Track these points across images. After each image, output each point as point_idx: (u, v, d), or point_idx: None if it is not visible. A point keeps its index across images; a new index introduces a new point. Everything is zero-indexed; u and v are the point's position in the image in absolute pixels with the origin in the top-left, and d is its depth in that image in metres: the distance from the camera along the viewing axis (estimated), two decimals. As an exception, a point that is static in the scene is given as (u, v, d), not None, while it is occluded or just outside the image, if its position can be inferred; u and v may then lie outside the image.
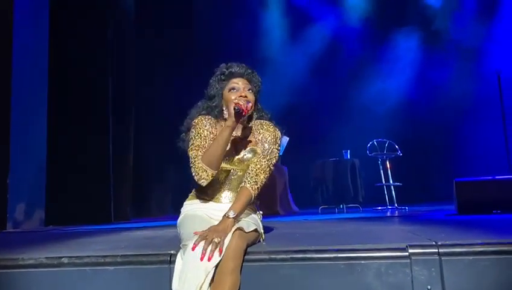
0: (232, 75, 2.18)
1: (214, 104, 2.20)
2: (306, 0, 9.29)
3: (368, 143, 6.09)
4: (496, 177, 4.20)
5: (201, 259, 1.64)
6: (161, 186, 7.59)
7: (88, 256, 1.90)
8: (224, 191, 2.15)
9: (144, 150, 6.95)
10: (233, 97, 2.10)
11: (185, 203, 2.21)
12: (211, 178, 2.04)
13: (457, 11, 8.69)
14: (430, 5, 8.97)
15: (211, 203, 2.14)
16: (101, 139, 5.63)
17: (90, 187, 5.43)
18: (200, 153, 2.04)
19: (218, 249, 1.67)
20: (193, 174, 2.04)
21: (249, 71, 2.21)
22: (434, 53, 8.72)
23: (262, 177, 2.04)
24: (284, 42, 9.34)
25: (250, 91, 2.16)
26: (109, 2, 6.04)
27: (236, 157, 2.14)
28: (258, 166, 2.06)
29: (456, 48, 8.53)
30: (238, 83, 2.16)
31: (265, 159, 2.09)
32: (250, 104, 2.08)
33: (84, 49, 5.64)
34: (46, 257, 1.91)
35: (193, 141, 2.09)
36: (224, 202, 2.12)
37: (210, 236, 1.72)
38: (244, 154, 2.14)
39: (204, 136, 2.09)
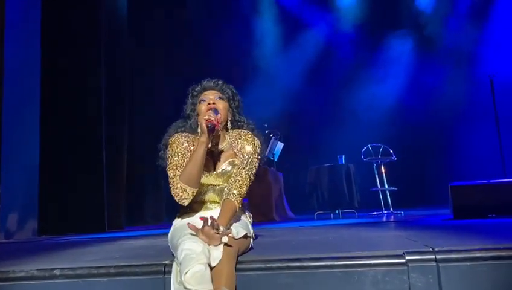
0: (204, 90, 2.22)
1: (191, 121, 2.23)
2: (299, 7, 9.31)
3: (363, 148, 6.08)
4: (490, 181, 4.20)
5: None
6: (156, 193, 7.54)
7: (81, 268, 1.86)
8: (208, 203, 2.16)
9: (138, 157, 6.91)
10: (203, 108, 2.12)
11: (174, 221, 2.19)
12: (191, 197, 2.03)
13: (449, 16, 8.75)
14: (423, 11, 9.03)
15: (198, 214, 2.13)
16: (94, 146, 5.58)
17: (83, 196, 5.37)
18: (178, 173, 2.03)
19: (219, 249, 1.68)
20: (173, 194, 2.03)
21: (220, 82, 2.23)
22: (427, 58, 8.77)
23: (244, 189, 2.05)
24: (277, 49, 9.36)
25: (220, 99, 2.17)
26: (102, 2, 5.99)
27: (215, 172, 2.14)
28: (239, 178, 2.06)
29: (449, 53, 8.59)
30: (208, 96, 2.18)
31: (245, 170, 2.09)
32: (219, 115, 2.08)
33: (77, 51, 5.60)
34: (38, 269, 1.87)
35: (170, 159, 2.09)
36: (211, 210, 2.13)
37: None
38: (223, 167, 2.14)
39: (182, 154, 2.09)
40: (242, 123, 2.27)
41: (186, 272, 1.56)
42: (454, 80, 8.38)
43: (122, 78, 6.44)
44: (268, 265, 1.80)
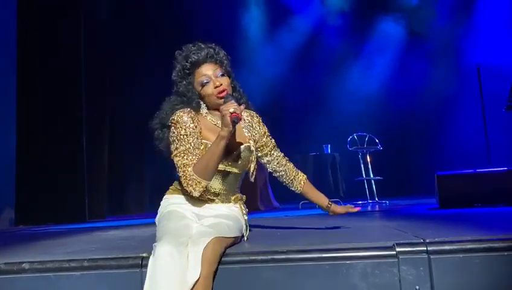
0: (196, 65, 1.93)
1: (189, 99, 1.96)
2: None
3: (348, 137, 6.01)
4: (476, 170, 4.18)
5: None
6: (138, 182, 7.38)
7: (51, 261, 1.74)
8: (217, 192, 1.97)
9: (120, 145, 6.74)
10: (209, 91, 1.89)
11: (167, 197, 1.99)
12: (204, 189, 1.85)
13: (437, 4, 8.69)
14: (411, -1, 8.95)
15: (202, 203, 1.94)
16: (73, 134, 5.42)
17: (63, 185, 5.21)
18: (187, 161, 1.82)
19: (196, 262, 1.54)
20: (184, 185, 1.83)
21: (211, 51, 1.94)
22: (414, 47, 8.71)
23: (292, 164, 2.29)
24: (261, 36, 9.20)
25: (222, 75, 1.94)
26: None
27: (231, 157, 1.95)
28: (289, 164, 2.35)
29: (437, 41, 8.54)
30: (207, 73, 1.92)
31: (278, 150, 2.28)
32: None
33: (54, 39, 5.42)
34: (5, 263, 1.75)
35: (176, 144, 1.85)
36: (218, 203, 1.97)
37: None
38: (239, 152, 1.97)
39: (189, 139, 1.85)
40: (238, 94, 2.06)
41: None
42: (442, 68, 8.35)
43: (103, 66, 6.23)
44: (252, 258, 1.70)
